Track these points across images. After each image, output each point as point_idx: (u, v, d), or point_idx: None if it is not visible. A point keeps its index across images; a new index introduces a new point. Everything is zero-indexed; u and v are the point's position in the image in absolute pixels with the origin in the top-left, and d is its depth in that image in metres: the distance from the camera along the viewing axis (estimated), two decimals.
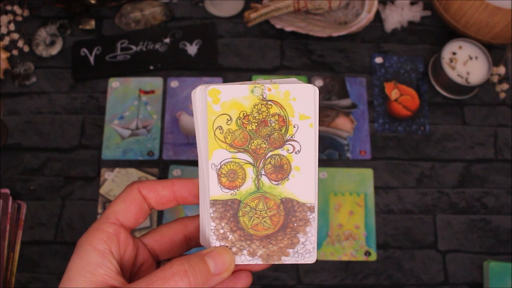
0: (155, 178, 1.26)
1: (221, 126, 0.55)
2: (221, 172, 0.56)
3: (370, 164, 1.29)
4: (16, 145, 1.30)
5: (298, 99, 0.55)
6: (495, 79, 1.36)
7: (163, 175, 1.27)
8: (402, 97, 1.34)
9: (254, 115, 0.55)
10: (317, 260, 1.17)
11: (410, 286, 1.21)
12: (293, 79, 0.57)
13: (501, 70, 1.35)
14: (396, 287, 1.21)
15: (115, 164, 1.28)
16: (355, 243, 1.23)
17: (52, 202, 1.25)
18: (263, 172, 0.56)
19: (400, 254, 1.23)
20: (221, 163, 0.56)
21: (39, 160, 1.28)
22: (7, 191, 1.23)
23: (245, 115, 0.55)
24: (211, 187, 0.56)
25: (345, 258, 1.22)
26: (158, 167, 1.28)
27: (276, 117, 0.55)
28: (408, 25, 1.41)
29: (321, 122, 1.31)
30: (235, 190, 0.56)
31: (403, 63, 1.37)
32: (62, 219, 1.24)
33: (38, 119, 1.32)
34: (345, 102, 1.33)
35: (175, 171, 1.27)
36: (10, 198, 1.22)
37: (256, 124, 0.55)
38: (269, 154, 0.56)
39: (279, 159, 0.56)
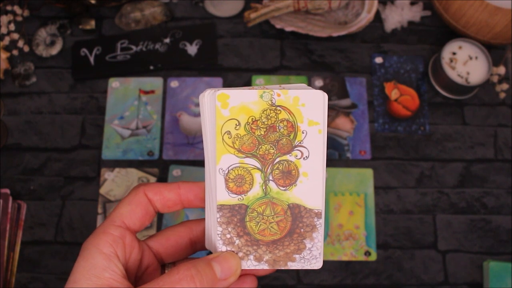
0: (155, 178, 1.26)
1: (229, 131, 0.55)
2: (228, 177, 0.56)
3: (370, 164, 1.29)
4: (16, 145, 1.29)
5: (307, 105, 0.55)
6: (495, 79, 1.36)
7: (163, 175, 1.27)
8: (402, 97, 1.34)
9: (263, 120, 0.55)
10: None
11: (410, 286, 1.21)
12: (303, 84, 0.57)
13: (501, 70, 1.35)
14: (396, 287, 1.21)
15: (115, 164, 1.28)
16: (355, 243, 1.23)
17: (52, 202, 1.25)
18: (270, 178, 0.56)
19: (400, 254, 1.23)
20: (229, 168, 0.56)
21: (39, 160, 1.28)
22: (7, 191, 1.23)
23: (253, 120, 0.55)
24: (218, 192, 0.56)
25: (345, 258, 1.22)
26: (158, 167, 1.28)
27: (285, 122, 0.55)
28: (408, 25, 1.41)
29: None
30: (243, 195, 0.56)
31: (403, 63, 1.37)
32: (62, 219, 1.24)
33: (38, 119, 1.31)
34: (345, 102, 1.33)
35: (175, 171, 1.27)
36: (10, 198, 1.22)
37: (264, 129, 0.55)
38: (277, 159, 0.56)
39: (287, 164, 0.56)
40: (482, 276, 1.22)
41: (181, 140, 1.30)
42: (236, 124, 0.55)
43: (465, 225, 1.26)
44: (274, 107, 0.55)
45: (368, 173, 1.28)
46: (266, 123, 0.55)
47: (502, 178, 1.29)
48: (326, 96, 0.55)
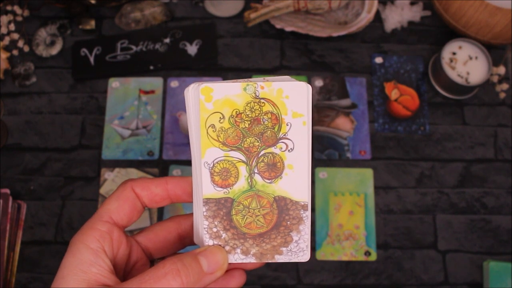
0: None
1: (213, 124, 0.55)
2: (214, 171, 0.56)
3: (370, 164, 1.29)
4: (16, 145, 1.30)
5: (291, 97, 0.55)
6: (495, 79, 1.36)
7: (163, 175, 1.27)
8: (402, 97, 1.34)
9: (247, 113, 0.55)
10: (317, 260, 1.17)
11: (410, 286, 1.21)
12: (287, 77, 0.56)
13: (501, 70, 1.35)
14: (396, 287, 1.21)
15: (115, 164, 1.28)
16: (355, 243, 1.23)
17: (52, 202, 1.26)
18: (256, 171, 0.56)
19: (400, 254, 1.23)
20: (214, 162, 0.55)
21: (39, 160, 1.29)
22: (7, 191, 1.23)
23: (237, 113, 0.55)
24: (204, 186, 0.56)
25: (345, 258, 1.22)
26: (158, 167, 1.28)
27: (269, 115, 0.55)
28: (408, 25, 1.41)
29: (321, 122, 1.31)
30: (228, 189, 0.56)
31: (403, 63, 1.37)
32: (62, 219, 1.24)
33: (38, 119, 1.32)
34: (345, 102, 1.33)
35: (175, 171, 1.27)
36: (10, 198, 1.22)
37: (249, 122, 0.55)
38: (262, 152, 0.56)
39: (272, 157, 0.56)
40: (482, 276, 1.22)
41: (181, 140, 1.30)
42: (220, 117, 0.55)
43: (465, 225, 1.25)
44: (258, 100, 0.55)
45: (368, 173, 1.28)
46: (250, 115, 0.55)
47: (502, 178, 1.29)
48: (310, 87, 0.55)
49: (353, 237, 1.23)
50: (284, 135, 0.55)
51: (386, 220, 1.25)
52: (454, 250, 1.24)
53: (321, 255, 1.22)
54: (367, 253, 1.22)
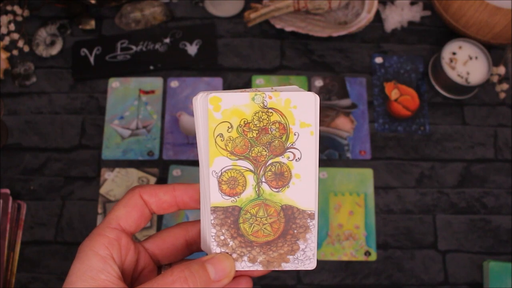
0: (155, 178, 1.26)
1: (222, 134, 0.55)
2: (221, 179, 0.56)
3: (370, 164, 1.29)
4: (16, 145, 1.30)
5: (299, 107, 0.55)
6: (495, 79, 1.36)
7: (163, 175, 1.27)
8: (402, 97, 1.34)
9: (255, 123, 0.55)
10: (317, 260, 1.17)
11: (410, 286, 1.21)
12: (295, 86, 0.57)
13: (501, 70, 1.35)
14: (396, 287, 1.21)
15: (115, 164, 1.28)
16: (355, 243, 1.23)
17: (52, 202, 1.25)
18: (263, 180, 0.56)
19: (400, 254, 1.23)
20: (222, 170, 0.56)
21: (39, 160, 1.28)
22: (7, 191, 1.23)
23: (246, 122, 0.55)
24: (212, 194, 0.56)
25: (345, 258, 1.22)
26: (158, 167, 1.28)
27: (277, 124, 0.55)
28: (408, 25, 1.41)
29: (321, 122, 1.31)
30: (236, 197, 0.56)
31: (403, 63, 1.37)
32: (62, 219, 1.24)
33: (38, 119, 1.32)
34: (345, 102, 1.33)
35: (175, 171, 1.27)
36: (10, 198, 1.22)
37: (256, 131, 0.55)
38: (270, 161, 0.56)
39: (279, 166, 0.56)
40: (482, 276, 1.22)
41: (181, 140, 1.30)
42: (228, 127, 0.55)
43: (465, 225, 1.25)
44: (266, 110, 0.55)
45: (368, 173, 1.28)
46: (258, 125, 0.55)
47: (502, 178, 1.29)
48: (317, 98, 0.55)
49: (353, 237, 1.23)
50: (292, 144, 0.56)
51: (386, 220, 1.25)
52: (454, 250, 1.24)
53: (321, 255, 1.22)
54: (367, 253, 1.22)
